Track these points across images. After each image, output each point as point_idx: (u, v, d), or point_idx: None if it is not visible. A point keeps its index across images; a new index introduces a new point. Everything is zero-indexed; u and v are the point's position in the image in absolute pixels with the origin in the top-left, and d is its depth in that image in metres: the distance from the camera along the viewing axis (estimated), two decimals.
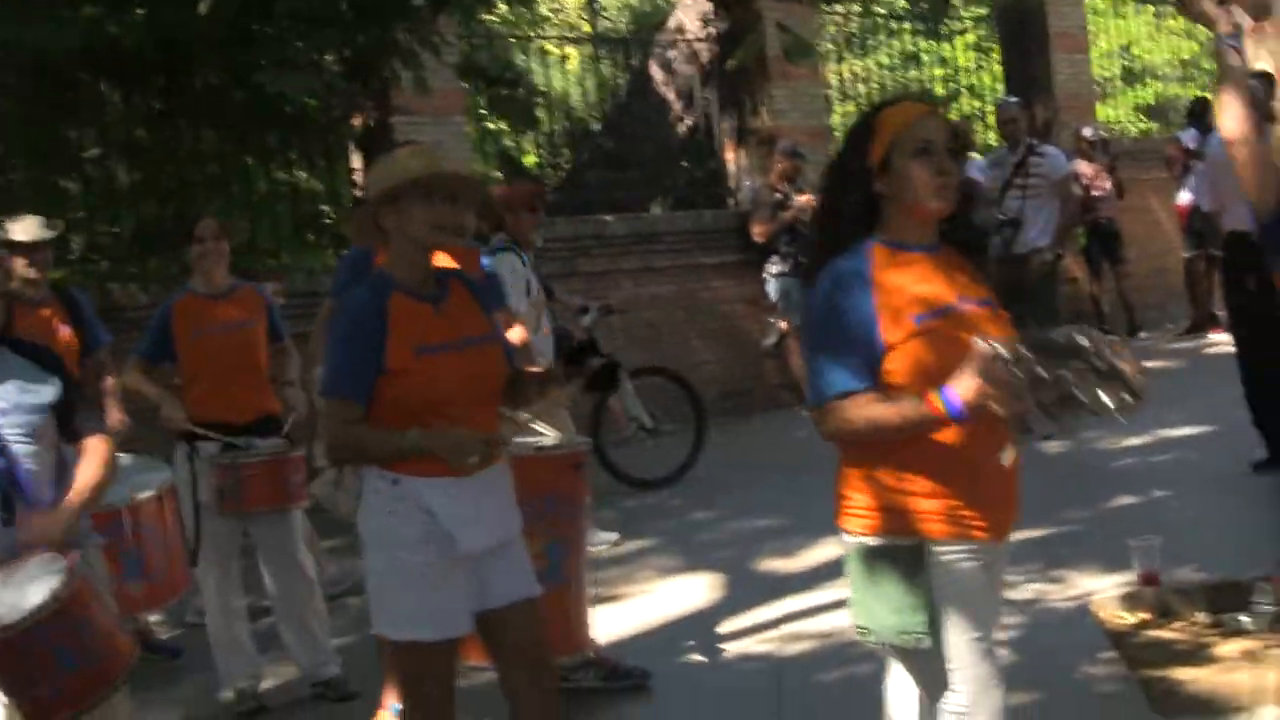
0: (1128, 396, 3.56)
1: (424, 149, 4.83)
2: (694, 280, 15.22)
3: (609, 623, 7.39)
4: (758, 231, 14.31)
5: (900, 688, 4.07)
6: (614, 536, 9.63)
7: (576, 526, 6.33)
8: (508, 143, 19.15)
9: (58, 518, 4.65)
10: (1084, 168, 16.54)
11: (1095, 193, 16.66)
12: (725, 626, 7.52)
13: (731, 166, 16.89)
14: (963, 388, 3.50)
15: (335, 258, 14.27)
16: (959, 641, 3.78)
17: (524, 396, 4.81)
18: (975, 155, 15.76)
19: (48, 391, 4.77)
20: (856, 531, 3.84)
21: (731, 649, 7.15)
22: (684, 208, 16.84)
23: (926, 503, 3.75)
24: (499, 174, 18.13)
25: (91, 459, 4.84)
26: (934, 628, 3.77)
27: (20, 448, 4.66)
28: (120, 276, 12.76)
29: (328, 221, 14.89)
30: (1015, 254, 11.67)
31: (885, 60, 20.32)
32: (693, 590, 8.31)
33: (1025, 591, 7.43)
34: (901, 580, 3.75)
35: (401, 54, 11.50)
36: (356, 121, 13.55)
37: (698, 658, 7.13)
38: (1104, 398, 3.51)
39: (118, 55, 11.94)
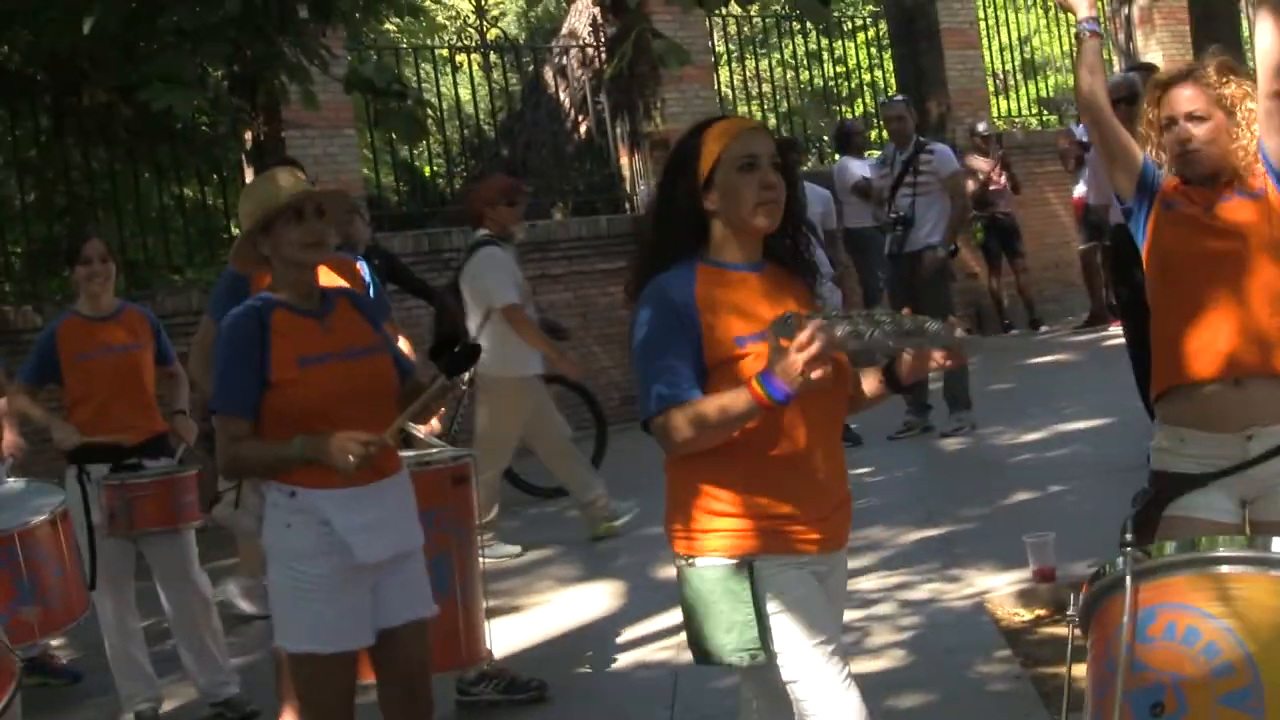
0: (935, 327, 3.56)
1: (283, 172, 4.84)
2: (591, 286, 15.27)
3: (508, 635, 7.40)
4: None
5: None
6: (515, 550, 9.64)
7: (465, 540, 6.32)
8: (404, 154, 19.13)
9: None
10: (979, 163, 16.72)
11: (992, 188, 16.84)
12: (624, 635, 7.55)
13: (627, 171, 16.93)
14: (779, 367, 3.45)
15: None
16: (795, 653, 3.73)
17: (424, 407, 4.81)
18: (871, 154, 15.91)
19: None
20: (683, 553, 3.82)
21: (629, 657, 7.19)
22: (582, 214, 16.86)
23: (746, 521, 3.73)
24: (399, 184, 18.14)
25: None
26: (768, 642, 3.73)
27: None
28: (14, 297, 12.66)
29: (228, 236, 14.83)
30: (907, 252, 11.76)
31: (785, 60, 20.38)
32: (592, 599, 8.34)
33: (921, 591, 7.52)
34: (729, 599, 3.72)
35: (288, 67, 11.45)
36: (247, 136, 13.49)
37: (596, 667, 7.16)
38: (910, 323, 3.51)
39: (4, 75, 11.85)
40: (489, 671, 6.69)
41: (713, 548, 3.75)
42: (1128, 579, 3.38)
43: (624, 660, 7.15)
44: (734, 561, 3.72)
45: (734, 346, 3.70)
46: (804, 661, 3.74)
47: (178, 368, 7.60)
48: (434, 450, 6.55)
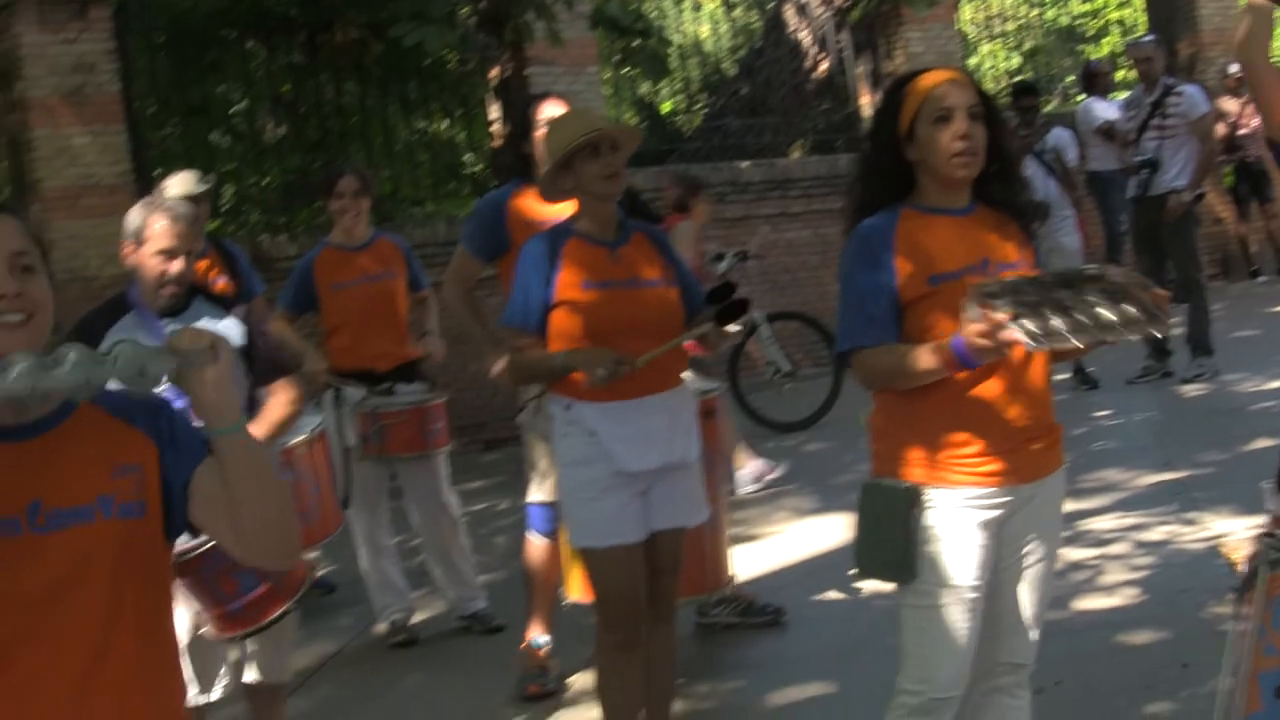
0: (1135, 312, 3.54)
1: (580, 111, 5.14)
2: (830, 225, 15.24)
3: (747, 561, 7.55)
4: None
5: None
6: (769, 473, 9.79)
7: (713, 471, 6.45)
8: (644, 90, 19.27)
9: None
10: (1230, 105, 16.24)
11: (1242, 131, 16.36)
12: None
13: (866, 110, 16.85)
14: (969, 337, 3.54)
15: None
16: (926, 588, 3.85)
17: (680, 343, 5.02)
18: (1117, 95, 15.61)
19: (234, 334, 5.13)
20: (872, 470, 3.98)
21: (864, 586, 7.26)
22: (821, 152, 16.85)
23: (923, 449, 3.85)
24: (637, 121, 18.28)
25: (279, 398, 5.29)
26: (915, 569, 3.85)
27: None
28: (269, 227, 13.08)
29: (468, 170, 15.12)
30: (1151, 195, 11.56)
31: None
32: (828, 531, 8.42)
33: (1157, 533, 7.49)
34: (890, 521, 3.85)
35: (535, 6, 11.65)
36: (493, 73, 13.73)
37: (832, 595, 7.27)
38: (1108, 314, 3.50)
39: (261, 13, 12.22)
40: (729, 595, 6.85)
41: (890, 470, 3.90)
42: (1262, 568, 3.42)
43: (859, 590, 7.23)
44: (905, 485, 3.85)
45: (927, 285, 3.81)
46: (932, 598, 3.86)
47: (428, 293, 7.84)
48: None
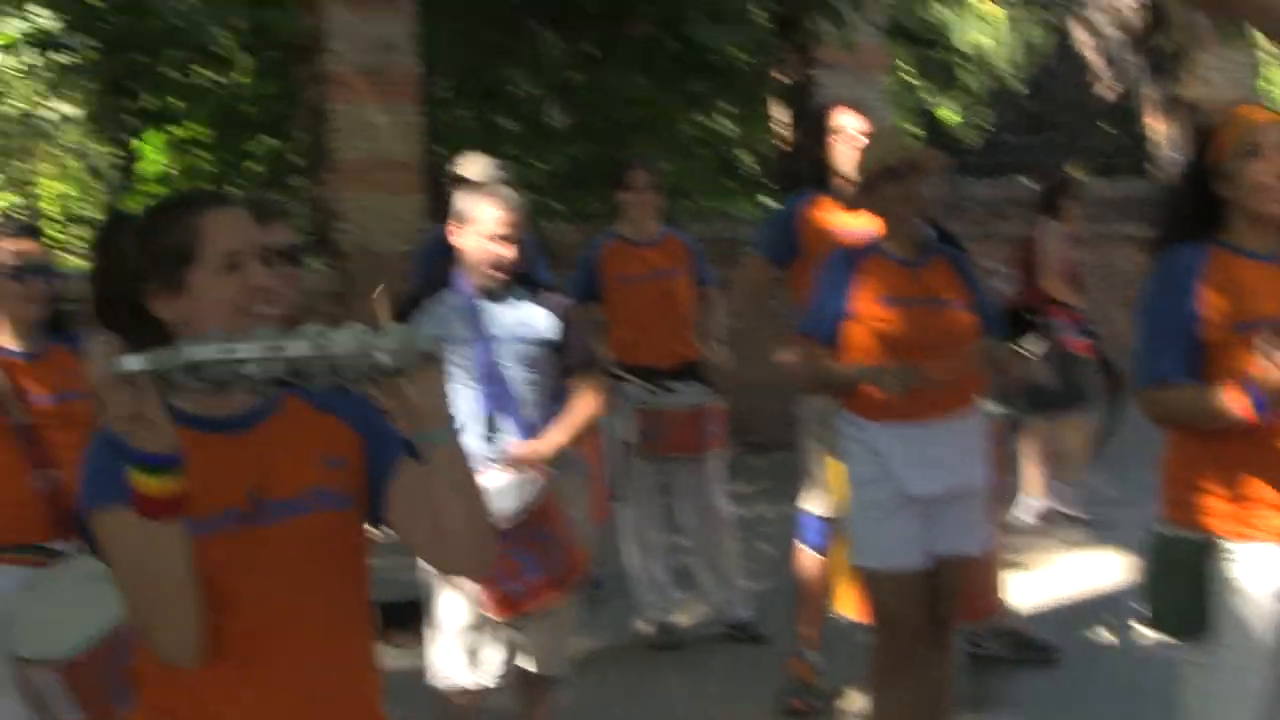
0: None
1: (883, 133, 5.17)
2: (1113, 249, 14.90)
3: (1017, 591, 7.38)
4: None
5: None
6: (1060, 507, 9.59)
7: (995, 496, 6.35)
8: (926, 98, 19.08)
9: (543, 441, 5.12)
10: None
11: None
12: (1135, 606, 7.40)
13: (1154, 135, 16.46)
14: (1266, 382, 3.46)
15: (751, 205, 14.50)
16: (1225, 648, 3.70)
17: (968, 364, 4.97)
18: None
19: (547, 325, 5.20)
20: (1161, 515, 3.85)
21: (1141, 634, 7.06)
22: (1103, 174, 16.49)
23: (1216, 498, 3.71)
24: (917, 131, 18.10)
25: (585, 395, 5.29)
26: (1207, 627, 3.71)
27: (515, 374, 5.16)
28: (550, 214, 13.22)
29: (743, 170, 15.13)
30: None
31: None
32: (1100, 567, 8.24)
33: None
34: (1183, 573, 3.73)
35: (829, 10, 11.62)
36: (780, 74, 13.71)
37: (1107, 637, 7.10)
38: None
39: (560, 3, 12.36)
40: (1002, 627, 6.72)
41: (1184, 518, 3.77)
42: None
43: (1137, 634, 7.03)
44: (1201, 536, 3.72)
45: (1233, 332, 3.69)
46: (1223, 660, 3.71)
47: (714, 291, 7.73)
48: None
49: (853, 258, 4.99)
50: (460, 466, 2.65)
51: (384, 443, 2.77)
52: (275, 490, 2.65)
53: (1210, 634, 3.72)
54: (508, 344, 5.15)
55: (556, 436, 5.15)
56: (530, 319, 5.20)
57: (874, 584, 4.99)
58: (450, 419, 2.60)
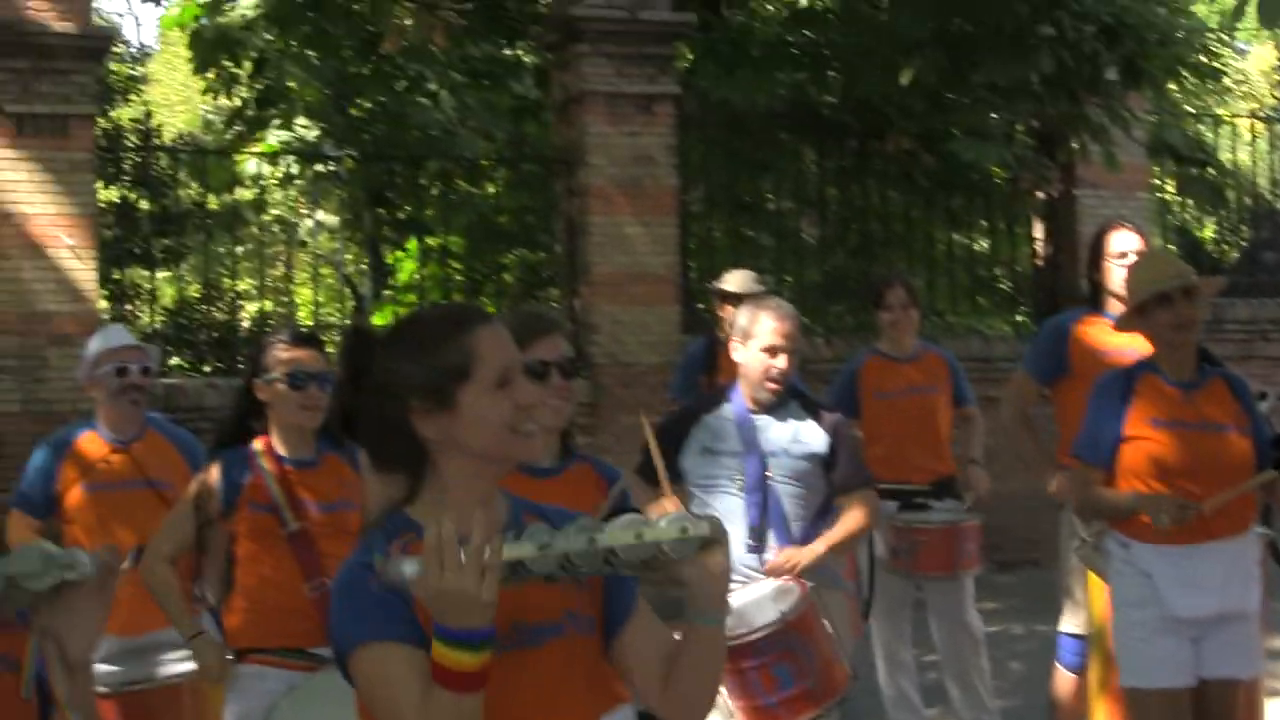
0: None
1: (1156, 257, 5.16)
2: None
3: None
4: None
5: None
6: None
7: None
8: (1185, 216, 18.78)
9: (805, 552, 5.14)
10: None
11: None
12: None
13: None
14: None
15: (1004, 322, 14.39)
16: None
17: (1244, 493, 4.92)
18: None
19: (817, 441, 5.25)
20: None
21: None
22: None
23: None
24: (1174, 249, 17.80)
25: (854, 510, 5.30)
26: None
27: (783, 488, 5.21)
28: (803, 328, 13.27)
29: (1000, 286, 15.05)
30: None
31: None
32: None
33: None
34: None
35: (1091, 128, 11.56)
36: (1041, 192, 13.65)
37: None
38: None
39: (816, 117, 12.49)
40: None
41: None
42: None
43: None
44: None
45: None
46: None
47: (973, 410, 7.71)
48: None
49: (1127, 379, 5.00)
50: (719, 650, 2.70)
51: (620, 587, 2.79)
52: (532, 614, 2.65)
53: None
54: (779, 458, 5.21)
55: (818, 548, 5.17)
56: (803, 434, 5.25)
57: (1138, 704, 4.96)
58: (725, 605, 2.63)
